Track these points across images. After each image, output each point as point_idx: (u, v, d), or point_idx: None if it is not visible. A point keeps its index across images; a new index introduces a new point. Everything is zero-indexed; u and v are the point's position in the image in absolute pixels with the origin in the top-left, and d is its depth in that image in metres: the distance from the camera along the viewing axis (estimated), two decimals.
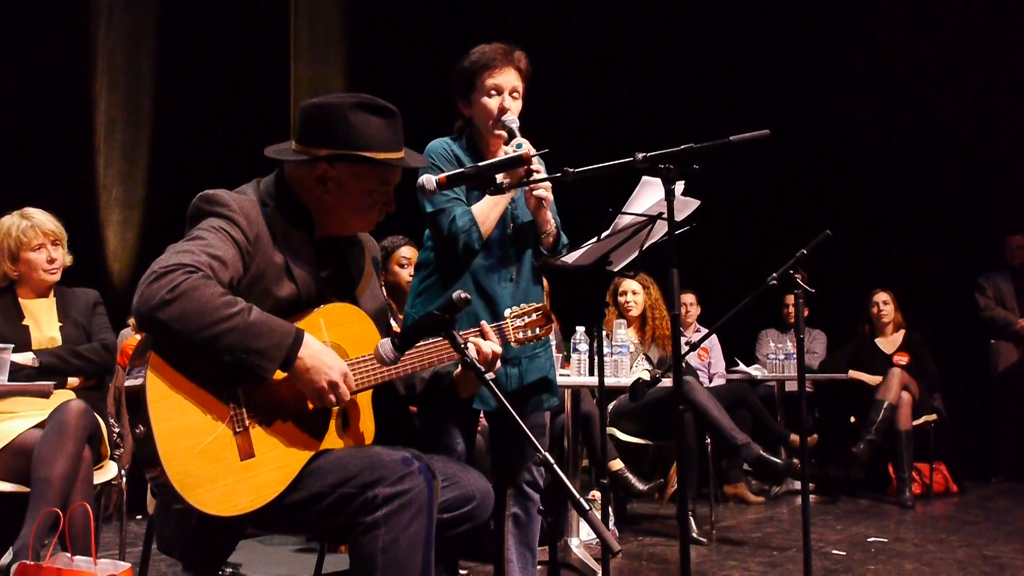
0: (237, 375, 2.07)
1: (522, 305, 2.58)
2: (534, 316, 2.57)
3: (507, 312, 2.55)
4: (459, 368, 2.44)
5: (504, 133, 2.87)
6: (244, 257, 2.16)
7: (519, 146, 2.78)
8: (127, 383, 2.04)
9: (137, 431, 1.99)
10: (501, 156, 2.70)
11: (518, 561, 3.02)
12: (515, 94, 2.94)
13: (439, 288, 2.90)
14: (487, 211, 2.85)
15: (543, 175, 2.78)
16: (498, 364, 2.43)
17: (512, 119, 2.88)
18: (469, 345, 2.31)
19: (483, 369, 2.19)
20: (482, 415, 3.07)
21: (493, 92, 2.91)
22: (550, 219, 2.96)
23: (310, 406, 2.18)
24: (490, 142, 2.96)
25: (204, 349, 1.99)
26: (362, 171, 2.27)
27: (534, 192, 2.85)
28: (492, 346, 2.39)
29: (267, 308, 2.16)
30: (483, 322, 2.46)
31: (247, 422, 2.08)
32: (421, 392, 2.51)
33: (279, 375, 2.08)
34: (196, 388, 2.03)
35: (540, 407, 3.01)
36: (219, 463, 2.02)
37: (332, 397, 2.12)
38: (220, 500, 2.00)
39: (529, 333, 2.56)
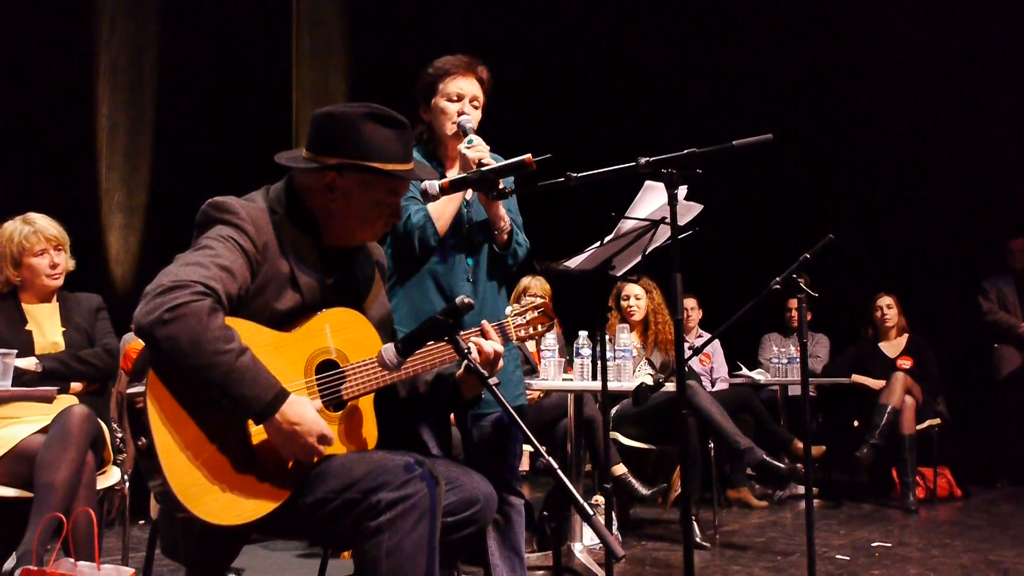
0: None
1: (523, 302, 2.58)
2: (536, 313, 2.56)
3: (508, 310, 2.55)
4: (461, 369, 2.43)
5: (460, 132, 2.91)
6: (252, 266, 2.16)
7: (470, 141, 2.83)
8: (128, 392, 2.04)
9: (140, 443, 1.98)
10: (505, 161, 2.70)
11: (504, 565, 3.03)
12: (475, 103, 3.01)
13: (399, 289, 2.93)
14: (442, 207, 2.88)
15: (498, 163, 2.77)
16: (501, 363, 2.41)
17: (467, 119, 2.93)
18: (471, 348, 2.30)
19: (487, 374, 2.19)
20: (453, 422, 3.08)
21: (454, 97, 2.97)
22: (503, 215, 2.97)
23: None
24: (448, 146, 3.00)
25: (185, 375, 1.99)
26: (370, 181, 2.27)
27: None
28: (494, 345, 2.37)
29: (271, 315, 2.17)
30: (484, 321, 2.45)
31: (249, 430, 2.07)
32: (425, 394, 2.50)
33: (252, 426, 2.06)
34: (197, 398, 2.02)
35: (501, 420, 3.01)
36: (222, 472, 2.01)
37: (306, 461, 2.10)
38: (224, 509, 1.99)
39: (531, 330, 2.55)
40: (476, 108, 2.99)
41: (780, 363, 6.43)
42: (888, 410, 6.22)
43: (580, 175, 2.48)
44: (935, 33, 7.89)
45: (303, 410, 2.06)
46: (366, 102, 2.31)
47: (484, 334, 2.41)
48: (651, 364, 5.33)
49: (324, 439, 2.07)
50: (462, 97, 2.97)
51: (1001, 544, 4.89)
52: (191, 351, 1.95)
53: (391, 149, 2.26)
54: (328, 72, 7.37)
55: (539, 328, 2.56)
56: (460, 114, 2.94)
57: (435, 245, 2.90)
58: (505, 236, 3.00)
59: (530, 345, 5.03)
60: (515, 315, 2.54)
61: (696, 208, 3.25)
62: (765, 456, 4.95)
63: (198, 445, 2.00)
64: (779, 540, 5.04)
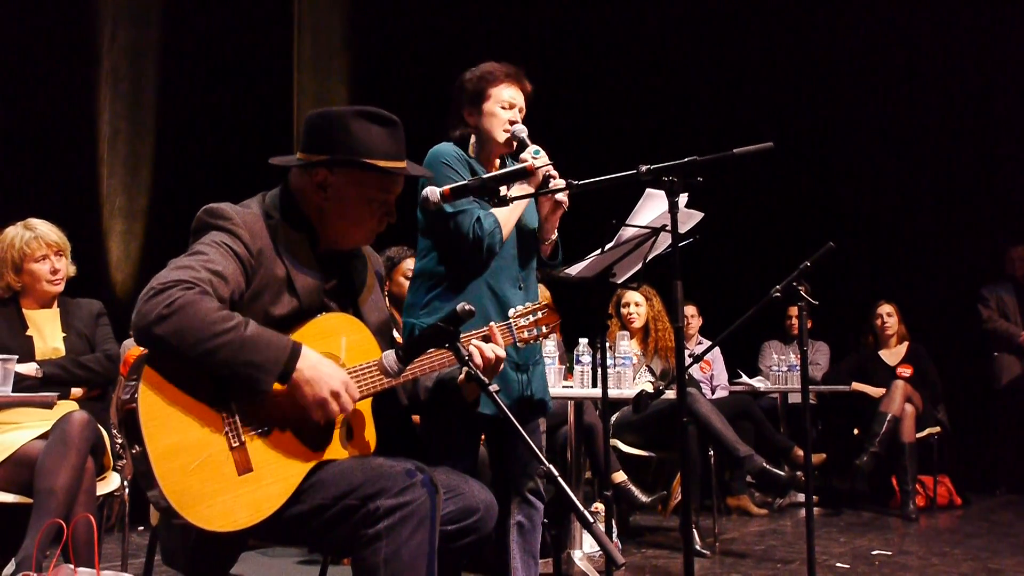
0: (231, 388, 2.05)
1: (526, 304, 2.55)
2: (540, 314, 2.53)
3: (511, 312, 2.52)
4: (463, 374, 2.41)
5: (515, 142, 2.94)
6: (247, 271, 2.16)
7: (536, 152, 2.84)
8: (121, 400, 2.04)
9: (134, 451, 1.98)
10: (511, 167, 2.71)
11: (523, 569, 3.03)
12: (521, 113, 3.03)
13: (452, 294, 2.87)
14: (508, 215, 2.89)
15: (560, 181, 2.80)
16: (501, 367, 2.39)
17: (521, 128, 2.95)
18: (472, 352, 2.28)
19: (487, 381, 2.18)
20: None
21: (507, 105, 2.98)
22: (556, 226, 3.00)
23: (312, 417, 2.15)
24: (494, 151, 3.00)
25: (201, 363, 1.99)
26: (362, 178, 2.27)
27: (555, 196, 2.89)
28: (494, 349, 2.34)
29: (270, 321, 2.15)
30: (491, 324, 2.42)
31: (243, 436, 2.06)
32: (427, 399, 2.48)
33: (278, 387, 2.06)
34: (190, 404, 2.02)
35: (544, 412, 3.07)
36: (216, 479, 2.00)
37: (335, 407, 2.09)
38: (219, 516, 1.99)
39: (535, 331, 2.53)
40: (520, 118, 3.02)
41: (780, 371, 6.42)
42: (888, 418, 6.22)
43: (581, 182, 2.49)
44: (935, 41, 7.90)
45: (318, 357, 2.09)
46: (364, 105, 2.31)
47: (487, 337, 2.38)
48: (651, 371, 5.33)
49: (336, 394, 2.08)
50: (514, 106, 2.98)
51: (1000, 552, 4.88)
52: (198, 335, 1.96)
53: (382, 146, 2.26)
54: (329, 78, 7.38)
55: (544, 329, 2.54)
56: (512, 123, 2.96)
57: (498, 252, 2.89)
58: (551, 247, 3.06)
59: None
60: (518, 316, 2.50)
61: (697, 216, 3.25)
62: (765, 464, 4.94)
63: (192, 452, 1.99)
64: (779, 548, 5.04)
